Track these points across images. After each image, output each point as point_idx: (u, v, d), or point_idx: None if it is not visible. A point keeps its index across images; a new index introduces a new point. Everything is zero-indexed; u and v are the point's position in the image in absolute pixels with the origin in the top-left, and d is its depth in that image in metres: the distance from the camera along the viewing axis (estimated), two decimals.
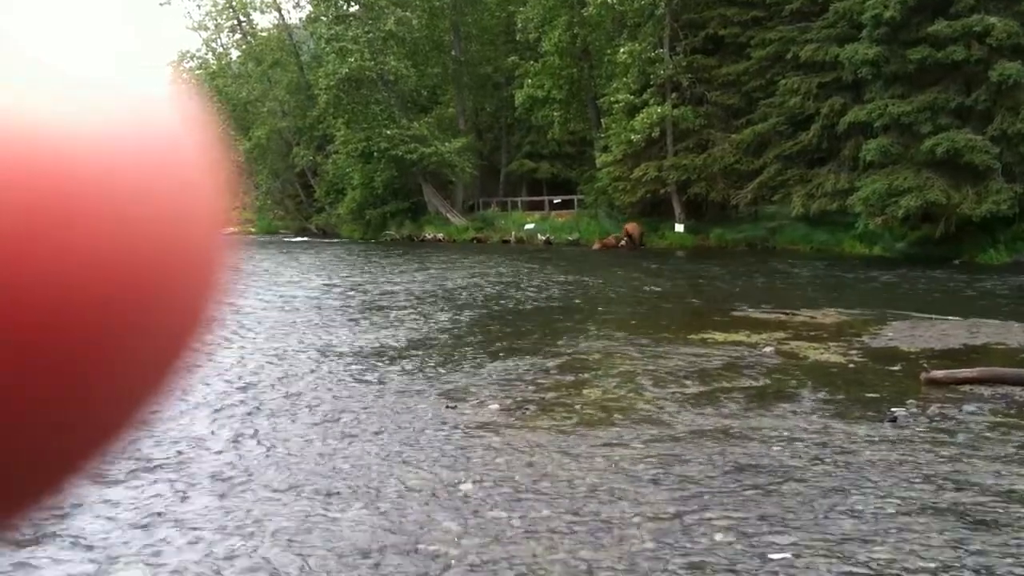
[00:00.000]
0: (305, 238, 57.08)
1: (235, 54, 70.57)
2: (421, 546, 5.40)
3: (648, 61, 38.85)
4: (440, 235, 49.21)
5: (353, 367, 11.56)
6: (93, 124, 0.27)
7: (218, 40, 70.09)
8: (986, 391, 9.49)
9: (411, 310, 17.44)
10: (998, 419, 8.38)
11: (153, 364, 0.30)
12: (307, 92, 58.94)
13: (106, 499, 6.09)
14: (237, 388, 10.15)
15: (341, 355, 12.40)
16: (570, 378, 10.58)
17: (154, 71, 0.30)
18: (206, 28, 68.73)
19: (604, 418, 8.57)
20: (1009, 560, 5.06)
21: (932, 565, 5.00)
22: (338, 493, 6.42)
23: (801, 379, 10.33)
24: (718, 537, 5.46)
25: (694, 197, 39.08)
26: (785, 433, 7.90)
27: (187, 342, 0.31)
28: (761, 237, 36.78)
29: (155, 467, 6.95)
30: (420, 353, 12.49)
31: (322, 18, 52.28)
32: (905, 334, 13.44)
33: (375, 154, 50.06)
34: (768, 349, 12.17)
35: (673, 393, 9.58)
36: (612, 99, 40.23)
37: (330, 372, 11.23)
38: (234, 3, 66.51)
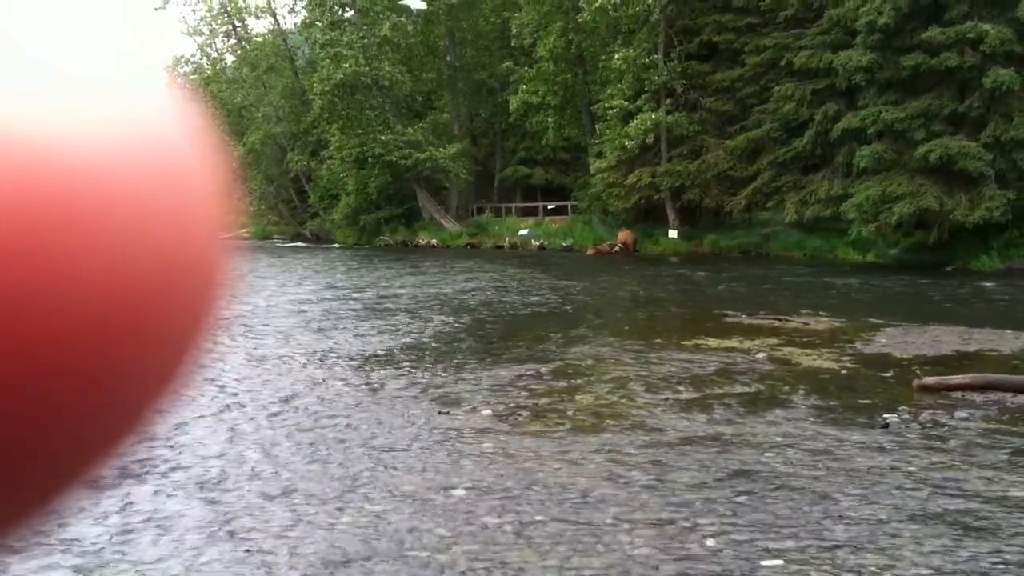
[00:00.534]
0: (299, 243, 57.01)
1: (230, 59, 70.60)
2: (412, 552, 5.38)
3: (642, 67, 38.92)
4: (434, 241, 49.20)
5: (345, 372, 11.53)
6: (94, 129, 0.27)
7: (213, 45, 70.19)
8: (978, 398, 9.49)
9: (404, 316, 17.41)
10: (990, 426, 8.39)
11: (156, 370, 0.30)
12: (302, 97, 58.93)
13: (94, 504, 6.06)
14: (227, 392, 10.11)
15: (333, 360, 12.37)
16: (563, 384, 10.56)
17: (153, 72, 0.30)
18: (201, 33, 68.82)
19: (597, 424, 8.56)
20: (1001, 567, 5.05)
21: (924, 572, 4.98)
22: (329, 498, 6.39)
23: (794, 385, 10.32)
24: (710, 543, 5.44)
25: (688, 203, 39.16)
26: (777, 439, 7.89)
27: (190, 347, 0.31)
28: (755, 243, 36.83)
29: (143, 472, 6.91)
30: (413, 358, 12.47)
31: (317, 23, 52.37)
32: (898, 340, 13.46)
33: (369, 159, 50.09)
34: (761, 355, 12.17)
35: (666, 399, 9.57)
36: (606, 105, 40.28)
37: (322, 377, 11.20)
38: (229, 8, 66.59)
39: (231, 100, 64.17)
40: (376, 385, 10.68)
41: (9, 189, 0.25)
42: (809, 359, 12.03)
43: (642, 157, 39.26)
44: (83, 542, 5.43)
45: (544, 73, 45.05)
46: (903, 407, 9.09)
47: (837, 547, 5.34)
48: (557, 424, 8.56)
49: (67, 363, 0.26)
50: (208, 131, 0.31)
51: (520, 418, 8.85)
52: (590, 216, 44.52)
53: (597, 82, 43.96)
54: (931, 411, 8.90)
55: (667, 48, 39.11)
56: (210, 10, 67.34)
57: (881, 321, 15.51)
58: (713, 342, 13.37)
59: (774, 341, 13.42)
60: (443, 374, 11.29)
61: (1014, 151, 27.82)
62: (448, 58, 54.09)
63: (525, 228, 46.76)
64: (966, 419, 8.60)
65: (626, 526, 5.74)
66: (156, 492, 6.51)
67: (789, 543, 5.41)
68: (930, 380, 9.97)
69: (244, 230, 64.46)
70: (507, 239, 46.15)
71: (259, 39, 67.60)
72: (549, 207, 49.32)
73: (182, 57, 69.66)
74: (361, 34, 49.13)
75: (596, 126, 43.55)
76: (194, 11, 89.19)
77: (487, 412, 9.08)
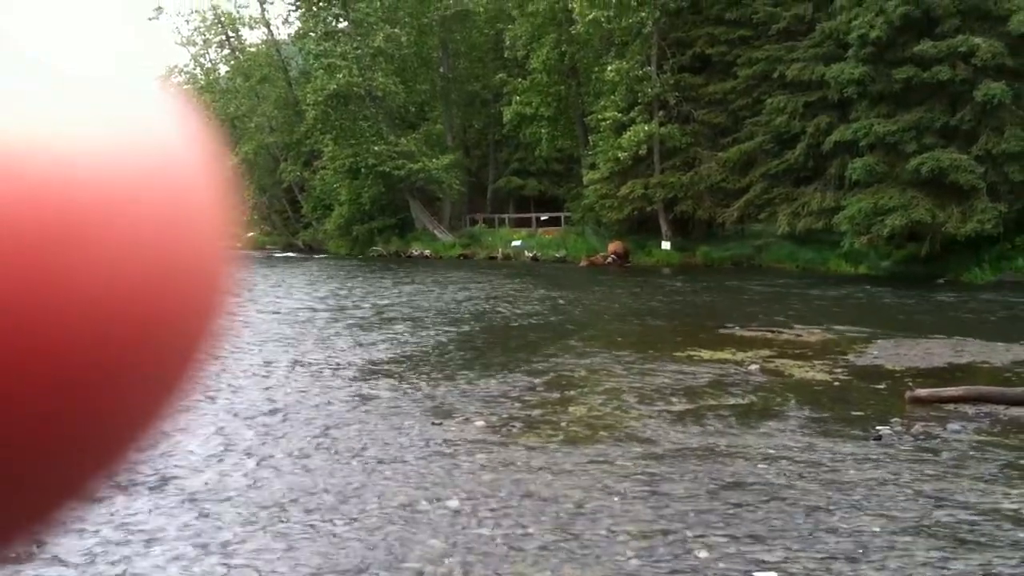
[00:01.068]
0: (292, 253, 56.96)
1: (223, 69, 70.61)
2: (406, 564, 5.37)
3: (636, 79, 39.03)
4: (427, 251, 49.20)
5: (338, 383, 11.51)
6: (95, 136, 0.27)
7: (206, 55, 70.23)
8: (970, 410, 9.52)
9: (397, 326, 17.40)
10: (982, 438, 8.41)
11: (158, 380, 0.29)
12: (295, 108, 58.98)
13: (87, 516, 6.04)
14: (219, 405, 10.09)
15: (326, 371, 12.36)
16: (556, 395, 10.56)
17: (153, 76, 0.30)
18: (194, 43, 68.93)
19: (590, 435, 8.56)
20: None
21: None
22: (322, 510, 6.38)
23: (786, 397, 10.34)
24: (703, 555, 5.45)
25: (681, 215, 39.23)
26: (770, 451, 7.90)
27: (193, 357, 0.30)
28: (747, 255, 36.88)
29: (137, 484, 6.89)
30: (406, 370, 12.46)
31: (311, 34, 52.41)
32: (890, 352, 13.49)
33: (363, 170, 50.11)
34: (754, 367, 12.19)
35: (659, 410, 9.57)
36: (600, 117, 40.38)
37: (315, 388, 11.18)
38: (223, 19, 66.68)
39: (224, 110, 64.10)
40: (369, 396, 10.67)
41: (9, 199, 0.24)
42: (802, 371, 12.05)
43: (635, 169, 39.34)
44: (74, 554, 5.41)
45: (537, 85, 45.17)
46: (896, 419, 9.11)
47: (830, 559, 5.35)
48: (550, 435, 8.56)
49: (67, 375, 0.26)
50: (208, 138, 0.31)
51: (513, 429, 8.84)
52: (583, 227, 44.56)
53: (590, 94, 44.09)
54: (924, 423, 8.92)
55: (660, 60, 39.21)
56: (204, 20, 67.48)
57: (873, 333, 15.55)
58: (706, 353, 13.39)
59: (767, 353, 13.45)
60: (436, 385, 11.28)
61: (1005, 164, 27.94)
62: (441, 69, 54.18)
63: (518, 239, 46.77)
64: (958, 431, 8.62)
65: (620, 538, 5.75)
66: (148, 504, 6.49)
67: (782, 555, 5.42)
68: (922, 392, 9.99)
69: (249, 237, 64.51)
70: (500, 250, 46.15)
71: (253, 49, 67.67)
72: (542, 218, 49.35)
73: (175, 67, 69.65)
74: (355, 45, 49.21)
75: (589, 138, 43.65)
76: (187, 21, 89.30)
77: (480, 423, 9.08)
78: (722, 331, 16.19)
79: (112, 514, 6.16)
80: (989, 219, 27.55)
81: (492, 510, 6.34)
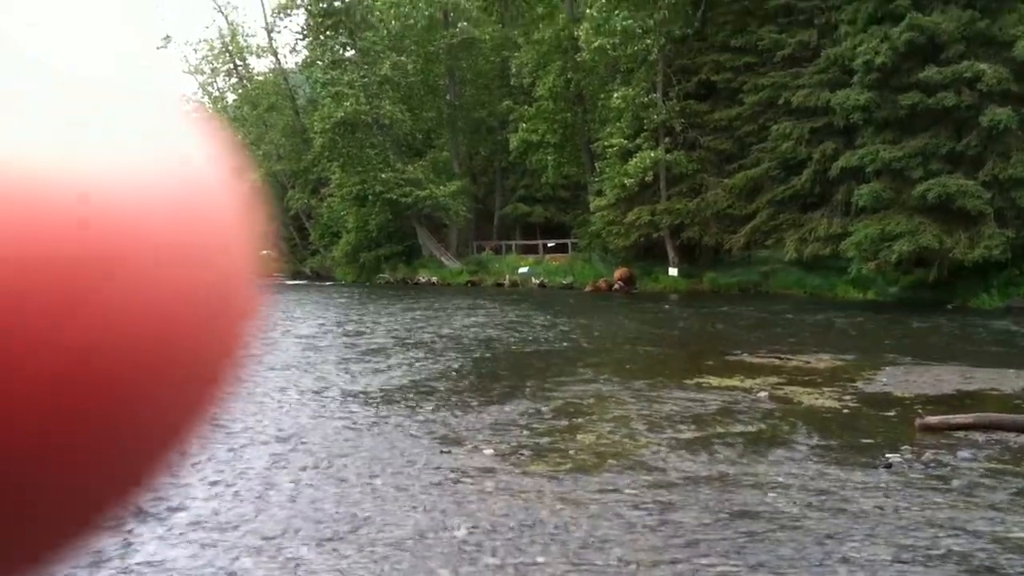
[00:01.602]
0: (299, 281, 57.04)
1: (231, 98, 71.11)
2: None
3: (641, 106, 39.15)
4: (434, 278, 49.20)
5: (347, 410, 11.50)
6: (125, 156, 0.26)
7: (214, 84, 70.71)
8: (981, 437, 9.47)
9: (404, 354, 17.39)
10: (993, 465, 8.36)
11: (182, 409, 0.29)
12: (302, 136, 59.28)
13: (97, 545, 6.02)
14: (226, 432, 10.08)
15: (335, 398, 12.35)
16: (564, 423, 10.53)
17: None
18: (202, 72, 69.39)
19: (598, 463, 8.53)
20: None
21: None
22: (330, 539, 6.36)
23: (795, 424, 10.30)
24: None
25: (687, 241, 39.24)
26: (780, 479, 7.86)
27: (217, 386, 0.30)
28: (754, 281, 36.84)
29: (140, 512, 6.88)
30: (414, 397, 12.44)
31: (318, 63, 52.68)
32: (899, 379, 13.44)
33: (370, 197, 50.25)
34: (762, 394, 12.15)
35: (668, 438, 9.54)
36: (606, 143, 40.47)
37: (323, 415, 11.17)
38: (230, 48, 67.15)
39: (232, 138, 64.29)
40: (377, 424, 10.65)
41: (29, 218, 0.24)
42: (811, 398, 12.01)
43: (641, 195, 39.40)
44: None
45: (544, 112, 45.35)
46: (905, 447, 9.07)
47: None
48: (559, 463, 8.53)
49: (92, 405, 0.26)
50: (231, 163, 0.31)
51: (522, 457, 8.82)
52: (590, 254, 44.59)
53: (596, 120, 44.21)
54: (934, 451, 8.87)
55: (666, 87, 39.37)
56: (211, 49, 68.01)
57: (882, 360, 15.51)
58: (714, 380, 13.36)
59: (775, 380, 13.41)
60: (444, 413, 11.26)
61: (1012, 189, 27.94)
62: (448, 97, 54.43)
63: (525, 266, 46.79)
64: (969, 459, 8.58)
65: (630, 567, 5.72)
66: (156, 533, 6.47)
67: None
68: (932, 419, 9.94)
69: (275, 266, 64.65)
70: (507, 277, 46.15)
71: (260, 78, 68.20)
72: (549, 245, 49.43)
73: (183, 96, 70.05)
74: (362, 73, 49.46)
75: (596, 164, 43.76)
76: (195, 50, 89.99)
77: (489, 451, 9.05)
78: (730, 358, 16.15)
79: (121, 543, 6.14)
80: (997, 245, 27.52)
81: (501, 539, 6.31)
